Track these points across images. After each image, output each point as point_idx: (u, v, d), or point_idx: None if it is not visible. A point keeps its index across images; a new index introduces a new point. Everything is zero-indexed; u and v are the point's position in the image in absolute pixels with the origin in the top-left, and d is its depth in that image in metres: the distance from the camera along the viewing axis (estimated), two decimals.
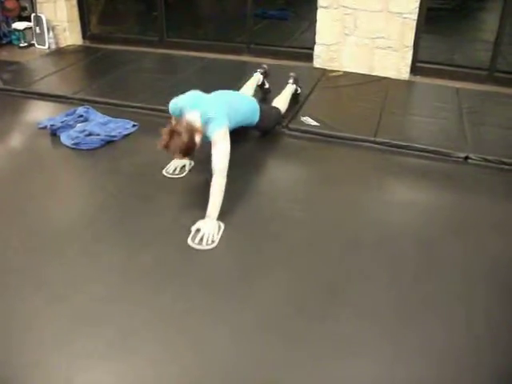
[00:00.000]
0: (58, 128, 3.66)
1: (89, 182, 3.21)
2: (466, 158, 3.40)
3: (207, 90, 3.12)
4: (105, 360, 1.95)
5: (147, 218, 2.78)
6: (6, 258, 2.48)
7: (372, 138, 3.61)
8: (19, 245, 2.57)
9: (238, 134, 3.10)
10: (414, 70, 4.94)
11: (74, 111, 3.88)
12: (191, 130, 2.70)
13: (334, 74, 4.95)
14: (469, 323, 2.12)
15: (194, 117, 2.80)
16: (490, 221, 2.80)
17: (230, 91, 3.37)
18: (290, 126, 3.80)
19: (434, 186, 3.17)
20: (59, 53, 5.85)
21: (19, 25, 6.14)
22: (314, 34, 5.07)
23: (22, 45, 6.17)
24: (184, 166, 3.22)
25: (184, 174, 3.18)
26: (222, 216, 2.70)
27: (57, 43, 6.11)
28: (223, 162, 2.74)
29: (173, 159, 3.21)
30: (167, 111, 3.05)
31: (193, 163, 3.25)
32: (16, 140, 3.84)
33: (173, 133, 2.65)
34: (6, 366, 1.91)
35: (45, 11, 5.98)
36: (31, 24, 6.08)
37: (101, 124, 3.70)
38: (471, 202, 3.00)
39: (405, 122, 4.02)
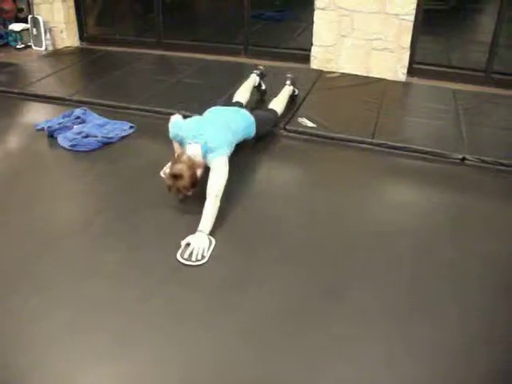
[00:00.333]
0: (56, 130, 3.65)
1: (86, 184, 3.20)
2: (463, 159, 3.41)
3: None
4: (102, 362, 1.94)
5: (145, 220, 2.78)
6: (2, 259, 2.48)
7: (369, 140, 3.62)
8: (16, 246, 2.57)
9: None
10: (411, 71, 4.96)
11: (72, 113, 3.87)
12: (192, 167, 2.75)
13: (331, 75, 4.96)
14: (465, 324, 2.12)
15: (194, 150, 2.82)
16: (487, 221, 2.81)
17: (225, 108, 3.37)
18: (288, 127, 3.80)
19: (431, 187, 3.18)
20: (56, 54, 5.85)
21: (16, 26, 6.14)
22: (311, 35, 5.08)
23: (18, 46, 6.17)
24: None
25: None
26: (217, 216, 2.69)
27: (54, 45, 6.11)
28: (220, 189, 2.71)
29: (170, 161, 3.21)
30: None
31: None
32: (13, 142, 3.84)
33: (175, 176, 2.71)
34: (3, 367, 1.91)
35: (42, 13, 5.99)
36: (28, 25, 6.08)
37: (98, 126, 3.70)
38: (468, 202, 3.01)
39: (402, 123, 4.03)
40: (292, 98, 4.14)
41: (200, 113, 3.28)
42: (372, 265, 2.46)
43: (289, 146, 3.65)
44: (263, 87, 4.17)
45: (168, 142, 3.22)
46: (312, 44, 5.11)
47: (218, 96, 4.15)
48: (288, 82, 4.08)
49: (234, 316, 2.15)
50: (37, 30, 6.00)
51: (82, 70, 5.42)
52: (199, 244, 2.52)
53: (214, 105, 3.44)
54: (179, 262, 2.45)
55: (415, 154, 3.49)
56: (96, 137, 3.54)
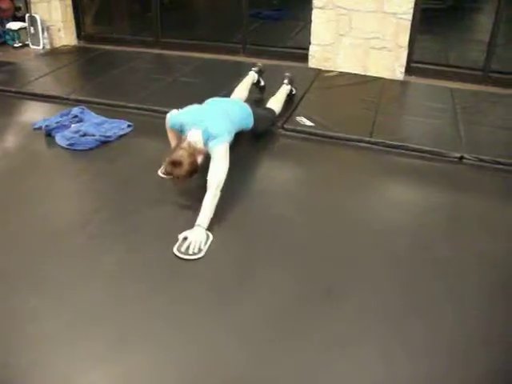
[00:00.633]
0: (53, 128, 3.65)
1: (84, 183, 3.20)
2: (461, 157, 3.41)
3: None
4: (104, 361, 1.94)
5: (143, 219, 2.78)
6: (2, 258, 2.47)
7: (367, 138, 3.62)
8: (14, 246, 2.56)
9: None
10: (409, 70, 4.96)
11: (69, 112, 3.87)
12: (193, 154, 2.72)
13: (329, 74, 4.96)
14: (463, 323, 2.12)
15: (195, 136, 2.80)
16: (485, 220, 2.81)
17: (223, 99, 3.38)
18: (285, 126, 3.80)
19: (428, 186, 3.18)
20: (54, 53, 5.83)
21: (13, 25, 6.13)
22: (309, 34, 5.08)
23: (16, 45, 6.15)
24: None
25: None
26: (216, 216, 2.69)
27: (51, 43, 6.10)
28: (221, 180, 2.71)
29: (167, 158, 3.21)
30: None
31: None
32: (11, 141, 3.83)
33: (174, 163, 2.68)
34: (4, 367, 1.90)
35: (39, 11, 5.98)
36: (25, 24, 6.06)
37: (96, 124, 3.70)
38: (466, 201, 3.01)
39: (400, 122, 4.03)
40: (290, 97, 4.14)
41: None
42: (370, 264, 2.46)
43: (287, 145, 3.65)
44: (262, 83, 4.16)
45: (166, 140, 3.22)
46: (310, 43, 5.11)
47: (216, 95, 4.13)
48: (286, 81, 4.08)
49: (233, 315, 2.15)
50: (34, 29, 5.99)
51: (79, 68, 5.41)
52: (196, 238, 2.53)
53: None
54: (176, 255, 2.46)
55: (413, 152, 3.49)
56: (94, 136, 3.53)
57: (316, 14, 4.95)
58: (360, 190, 3.10)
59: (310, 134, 3.74)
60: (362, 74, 4.93)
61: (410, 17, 4.65)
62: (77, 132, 3.55)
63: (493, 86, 4.72)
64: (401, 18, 4.65)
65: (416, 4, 4.63)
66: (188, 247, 2.50)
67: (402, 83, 4.86)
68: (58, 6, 5.94)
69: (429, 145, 3.51)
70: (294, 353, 1.97)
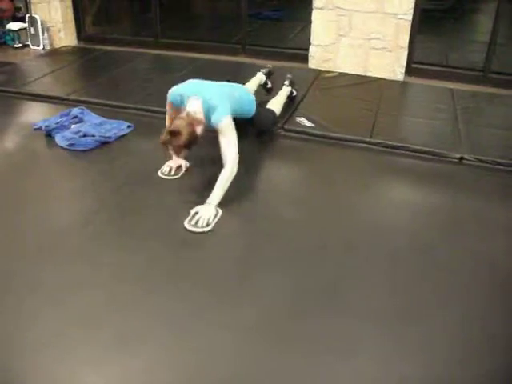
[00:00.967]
0: (53, 129, 3.64)
1: (84, 183, 3.20)
2: (461, 158, 3.41)
3: None
4: (103, 364, 1.94)
5: (143, 219, 2.78)
6: (0, 259, 2.47)
7: (367, 139, 3.62)
8: (14, 246, 2.56)
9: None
10: (409, 70, 4.96)
11: (69, 112, 3.86)
12: (192, 124, 2.71)
13: (329, 74, 4.96)
14: (465, 323, 2.12)
15: (195, 106, 2.81)
16: (485, 221, 2.81)
17: (226, 82, 3.39)
18: (286, 126, 3.80)
19: (429, 187, 3.18)
20: (54, 54, 5.83)
21: (13, 25, 6.13)
22: (309, 34, 5.08)
23: (16, 45, 6.16)
24: (180, 166, 3.21)
25: (180, 175, 3.17)
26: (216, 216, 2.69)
27: (51, 44, 6.10)
28: (234, 152, 2.80)
29: (168, 160, 3.21)
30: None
31: (188, 164, 3.24)
32: (11, 141, 3.82)
33: (173, 132, 2.67)
34: (4, 370, 1.90)
35: (39, 12, 5.98)
36: (26, 25, 6.07)
37: (96, 125, 3.69)
38: (466, 202, 3.01)
39: (400, 122, 4.03)
40: (290, 99, 4.14)
41: None
42: (370, 264, 2.46)
43: (287, 146, 3.65)
44: (269, 85, 4.16)
45: None
46: (310, 43, 5.11)
47: None
48: (286, 83, 4.07)
49: (232, 316, 2.14)
50: (34, 30, 5.99)
51: (79, 69, 5.41)
52: (205, 213, 2.67)
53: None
54: (186, 229, 2.62)
55: (413, 153, 3.49)
56: (94, 136, 3.53)
57: (316, 15, 4.95)
58: (360, 190, 3.09)
59: (310, 134, 3.74)
60: (362, 74, 4.93)
61: (410, 17, 4.65)
62: (77, 132, 3.55)
63: (493, 87, 4.71)
64: (401, 19, 4.65)
65: (416, 4, 4.63)
66: (197, 221, 2.63)
67: (402, 84, 4.86)
68: (58, 7, 5.94)
69: (429, 145, 3.51)
70: (292, 353, 1.97)
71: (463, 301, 2.24)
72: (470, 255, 2.53)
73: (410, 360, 1.95)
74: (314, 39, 5.07)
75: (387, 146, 3.56)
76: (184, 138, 2.67)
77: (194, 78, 3.08)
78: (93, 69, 5.31)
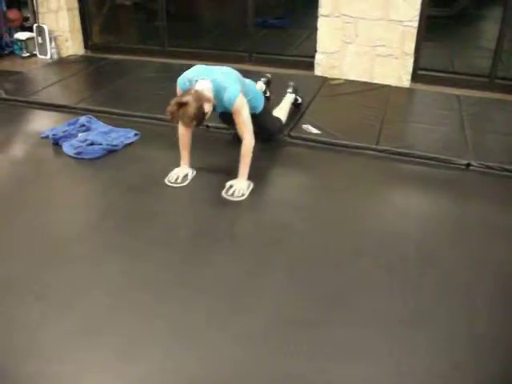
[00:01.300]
0: (60, 137, 3.66)
1: (91, 192, 3.21)
2: (468, 164, 3.40)
3: None
4: (109, 369, 1.94)
5: (150, 227, 2.78)
6: (8, 266, 2.48)
7: (374, 146, 3.61)
8: (22, 253, 2.57)
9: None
10: (415, 77, 4.96)
11: (76, 121, 3.88)
12: (200, 99, 2.74)
13: (334, 82, 4.96)
14: (470, 330, 2.11)
15: (204, 85, 2.87)
16: (492, 228, 2.80)
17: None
18: (292, 133, 3.81)
19: (435, 194, 3.17)
20: (61, 63, 5.88)
21: (21, 35, 6.18)
22: (315, 42, 5.09)
23: (24, 55, 6.20)
24: (186, 174, 3.22)
25: (186, 183, 3.18)
26: (222, 225, 2.69)
27: (59, 53, 6.14)
28: (249, 126, 3.03)
29: (175, 168, 3.22)
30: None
31: (195, 172, 3.25)
32: (18, 149, 3.85)
33: (181, 104, 2.70)
34: (10, 375, 1.91)
35: (47, 21, 6.02)
36: (33, 34, 6.11)
37: (103, 133, 3.71)
38: (473, 208, 3.00)
39: (406, 129, 4.03)
40: (296, 106, 4.15)
41: None
42: (377, 270, 2.45)
43: (293, 153, 3.65)
44: (267, 94, 4.17)
45: (173, 149, 3.24)
46: (316, 51, 5.12)
47: None
48: (289, 90, 4.08)
49: (238, 321, 2.14)
50: (42, 39, 6.04)
51: (86, 78, 5.45)
52: (240, 185, 3.03)
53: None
54: (224, 198, 2.98)
55: (420, 160, 3.48)
56: (101, 144, 3.55)
57: (321, 22, 4.96)
58: (366, 197, 3.09)
59: (316, 141, 3.74)
60: (368, 81, 4.93)
61: (415, 24, 4.65)
62: (84, 141, 3.56)
63: (499, 93, 4.70)
64: (406, 26, 4.66)
65: (422, 11, 4.64)
66: (233, 193, 2.97)
67: (409, 90, 4.86)
68: (66, 16, 5.99)
69: (435, 152, 3.50)
70: (299, 360, 1.96)
71: (469, 307, 2.23)
72: (477, 261, 2.52)
73: (414, 366, 1.94)
74: (319, 47, 5.08)
75: (393, 153, 3.55)
76: (192, 109, 2.69)
77: None
78: (100, 77, 5.34)
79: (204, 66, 3.12)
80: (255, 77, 4.19)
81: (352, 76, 5.01)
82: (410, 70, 4.87)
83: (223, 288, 2.34)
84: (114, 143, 3.62)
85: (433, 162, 3.45)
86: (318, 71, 5.18)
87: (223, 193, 3.00)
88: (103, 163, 3.46)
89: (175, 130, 3.20)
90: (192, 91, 2.78)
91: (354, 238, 2.71)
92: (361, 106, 4.35)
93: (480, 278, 2.42)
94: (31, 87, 4.95)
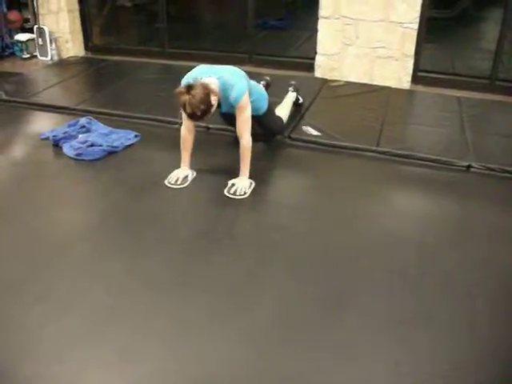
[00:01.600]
0: (61, 139, 3.66)
1: (91, 193, 3.21)
2: (469, 166, 3.39)
3: None
4: (111, 368, 1.94)
5: (150, 228, 2.78)
6: (7, 268, 2.47)
7: (374, 148, 3.61)
8: (22, 254, 2.57)
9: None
10: (415, 79, 4.96)
11: (77, 122, 3.88)
12: (208, 89, 2.79)
13: (335, 83, 4.96)
14: (471, 330, 2.11)
15: (210, 79, 2.91)
16: (493, 230, 2.79)
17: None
18: (292, 135, 3.80)
19: (436, 195, 3.17)
20: (61, 64, 5.88)
21: (22, 36, 6.19)
22: (315, 44, 5.09)
23: (24, 56, 6.20)
24: (186, 176, 3.21)
25: (186, 184, 3.17)
26: (222, 225, 2.68)
27: (59, 54, 6.15)
28: (249, 125, 3.05)
29: (175, 169, 3.22)
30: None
31: (195, 173, 3.25)
32: (18, 151, 3.85)
33: (189, 87, 2.74)
34: (8, 377, 1.90)
35: (47, 23, 6.02)
36: (34, 35, 6.11)
37: (103, 135, 3.71)
38: (474, 210, 3.00)
39: (407, 131, 4.03)
40: (297, 106, 4.15)
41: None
42: (376, 273, 2.45)
43: (293, 155, 3.65)
44: None
45: (173, 150, 3.24)
46: (316, 52, 5.12)
47: None
48: (291, 89, 4.09)
49: (237, 323, 2.14)
50: (42, 40, 6.04)
51: (87, 79, 5.45)
52: (242, 184, 3.07)
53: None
54: (227, 196, 3.00)
55: (420, 161, 3.48)
56: (101, 146, 3.55)
57: (322, 24, 4.96)
58: (366, 199, 3.09)
59: (317, 143, 3.73)
60: (368, 83, 4.93)
61: (416, 26, 4.65)
62: (84, 142, 3.56)
63: (500, 95, 4.70)
64: (407, 28, 4.66)
65: (422, 13, 4.64)
66: (235, 191, 3.01)
67: (409, 92, 4.86)
68: (66, 18, 5.99)
69: (436, 154, 3.50)
70: (299, 360, 1.96)
71: (470, 307, 2.23)
72: (478, 262, 2.52)
73: (416, 370, 1.93)
74: (320, 48, 5.08)
75: (394, 155, 3.55)
76: (199, 96, 2.73)
77: None
78: (100, 79, 5.34)
79: (207, 65, 3.14)
80: (255, 78, 4.19)
81: (352, 78, 5.01)
82: (410, 71, 4.87)
83: (224, 288, 2.34)
84: (115, 144, 3.61)
85: (433, 164, 3.45)
86: (318, 73, 5.18)
87: (225, 191, 3.03)
88: (103, 164, 3.46)
89: (175, 131, 3.20)
90: (199, 83, 2.82)
91: (354, 239, 2.70)
92: (361, 107, 4.35)
93: (481, 279, 2.41)
94: (31, 88, 4.95)
